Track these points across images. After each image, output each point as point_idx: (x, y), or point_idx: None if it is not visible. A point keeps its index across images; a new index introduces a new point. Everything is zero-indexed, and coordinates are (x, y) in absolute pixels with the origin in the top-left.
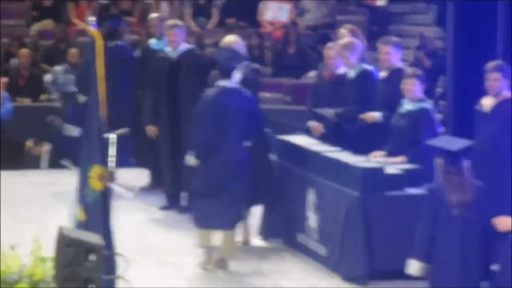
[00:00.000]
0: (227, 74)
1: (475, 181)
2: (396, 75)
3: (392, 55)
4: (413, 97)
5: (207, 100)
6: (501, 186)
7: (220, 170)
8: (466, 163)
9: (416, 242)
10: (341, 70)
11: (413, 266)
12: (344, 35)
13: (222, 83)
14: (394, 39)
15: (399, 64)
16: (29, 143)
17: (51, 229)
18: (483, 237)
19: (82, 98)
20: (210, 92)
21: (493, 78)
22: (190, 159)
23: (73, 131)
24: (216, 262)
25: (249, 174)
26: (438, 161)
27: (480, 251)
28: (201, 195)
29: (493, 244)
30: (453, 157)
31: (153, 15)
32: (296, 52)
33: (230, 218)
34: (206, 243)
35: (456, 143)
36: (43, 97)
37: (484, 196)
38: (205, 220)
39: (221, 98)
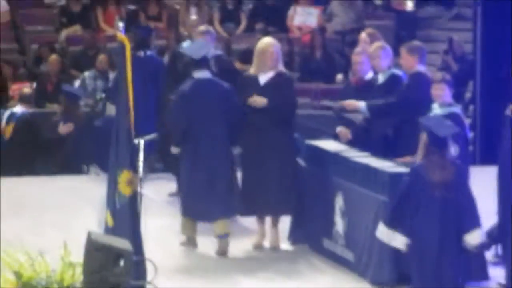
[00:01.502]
0: (200, 66)
1: (456, 162)
2: (413, 78)
3: (406, 60)
4: (442, 102)
5: (182, 93)
6: None
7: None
8: (451, 147)
9: (400, 217)
10: (369, 75)
11: (399, 241)
12: (364, 40)
13: (196, 74)
14: (412, 43)
15: (417, 68)
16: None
17: (78, 234)
18: (460, 216)
19: (111, 109)
20: (184, 84)
21: None
22: (173, 148)
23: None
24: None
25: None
26: (423, 138)
27: (457, 229)
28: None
29: (469, 222)
30: (438, 140)
31: (194, 17)
32: (322, 57)
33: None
34: (191, 234)
35: (444, 128)
36: None
37: (463, 176)
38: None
39: (195, 89)
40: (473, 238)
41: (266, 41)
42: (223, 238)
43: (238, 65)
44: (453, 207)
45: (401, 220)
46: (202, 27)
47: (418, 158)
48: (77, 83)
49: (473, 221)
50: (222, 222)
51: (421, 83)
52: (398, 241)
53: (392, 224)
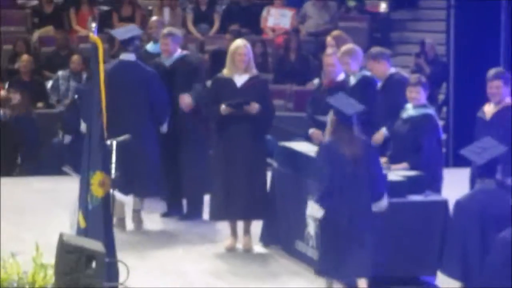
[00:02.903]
0: (126, 48)
1: (363, 138)
2: (390, 81)
3: (377, 67)
4: (417, 104)
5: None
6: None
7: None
8: (357, 126)
9: (322, 190)
10: (341, 77)
11: (316, 210)
12: (330, 43)
13: (121, 56)
14: (374, 50)
15: (390, 70)
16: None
17: (52, 236)
18: (370, 187)
19: (84, 127)
20: (108, 64)
21: (495, 86)
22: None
23: (66, 139)
24: None
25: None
26: (331, 117)
27: (367, 199)
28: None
29: (376, 193)
30: (345, 118)
31: (154, 18)
32: (297, 59)
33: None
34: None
35: (350, 107)
36: (39, 104)
37: (370, 151)
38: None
39: (117, 70)
40: (381, 205)
41: (238, 43)
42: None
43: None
44: (362, 180)
45: (324, 194)
46: (165, 29)
47: (326, 135)
48: (50, 82)
49: (379, 191)
50: None
51: (400, 85)
52: (316, 211)
53: (320, 201)
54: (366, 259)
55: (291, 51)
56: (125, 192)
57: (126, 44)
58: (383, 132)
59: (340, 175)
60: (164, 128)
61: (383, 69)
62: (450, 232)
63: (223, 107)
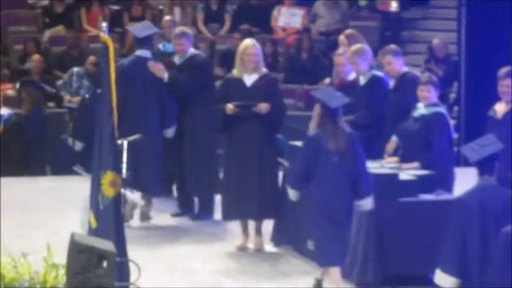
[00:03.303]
0: (142, 45)
1: (348, 130)
2: (403, 80)
3: (393, 63)
4: (428, 103)
5: (121, 67)
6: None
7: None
8: (342, 118)
9: (295, 174)
10: (351, 76)
11: (293, 194)
12: (343, 42)
13: (137, 52)
14: (392, 47)
15: (403, 69)
16: None
17: (61, 235)
18: (353, 181)
19: (78, 145)
20: (125, 59)
21: (506, 84)
22: None
23: (77, 145)
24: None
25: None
26: (316, 110)
27: (349, 193)
28: None
29: (362, 190)
30: (330, 111)
31: (167, 17)
32: (308, 58)
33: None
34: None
35: (336, 100)
36: (50, 104)
37: (356, 145)
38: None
39: (133, 65)
40: (365, 205)
41: (247, 43)
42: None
43: (217, 70)
44: (346, 172)
45: (300, 181)
46: (177, 29)
47: (310, 127)
48: (63, 77)
49: (367, 189)
50: None
51: (412, 84)
52: (292, 194)
53: (293, 184)
54: (341, 249)
55: (302, 51)
56: (133, 187)
57: (142, 41)
58: (394, 140)
59: (325, 166)
60: (170, 132)
61: (399, 66)
62: (449, 229)
63: (229, 106)
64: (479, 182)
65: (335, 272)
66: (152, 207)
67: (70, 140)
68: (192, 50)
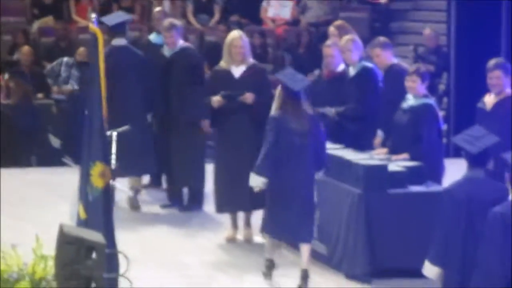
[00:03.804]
0: (116, 34)
1: (310, 112)
2: (391, 71)
3: (382, 56)
4: (416, 94)
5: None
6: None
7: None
8: (305, 99)
9: (263, 159)
10: (340, 68)
11: (257, 180)
12: (333, 33)
13: (113, 42)
14: (381, 39)
15: (392, 61)
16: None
17: (51, 227)
18: (314, 158)
19: (55, 142)
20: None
21: (495, 76)
22: None
23: (55, 142)
24: None
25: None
26: (278, 91)
27: (311, 169)
28: None
29: (318, 164)
30: (292, 93)
31: (157, 8)
32: (306, 51)
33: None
34: None
35: (297, 82)
36: (39, 95)
37: (317, 125)
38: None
39: (110, 55)
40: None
41: (234, 35)
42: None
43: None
44: (308, 151)
45: (269, 166)
46: (166, 22)
47: (273, 109)
48: (50, 67)
49: (322, 163)
50: None
51: (401, 75)
52: (258, 181)
53: (261, 171)
54: (309, 226)
55: (301, 45)
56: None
57: (116, 29)
58: (380, 135)
59: (288, 146)
60: (149, 117)
61: (388, 59)
62: (437, 220)
63: (216, 98)
64: (467, 174)
65: (306, 249)
66: (140, 196)
67: (50, 136)
68: (181, 42)
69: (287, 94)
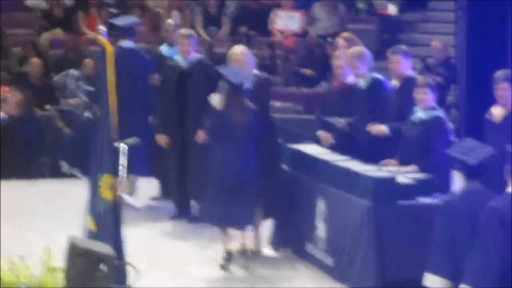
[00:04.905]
0: (124, 36)
1: (252, 106)
2: (408, 84)
3: (401, 64)
4: (425, 106)
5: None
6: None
7: None
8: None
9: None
10: (350, 79)
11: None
12: (342, 44)
13: (120, 43)
14: (404, 47)
15: (409, 73)
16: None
17: (60, 239)
18: (257, 149)
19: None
20: None
21: (503, 88)
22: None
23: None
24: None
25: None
26: (221, 86)
27: (252, 159)
28: None
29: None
30: (235, 88)
31: (170, 21)
32: (307, 61)
33: None
34: None
35: (239, 76)
36: (47, 107)
37: (258, 119)
38: None
39: (117, 56)
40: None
41: (235, 50)
42: None
43: None
44: (252, 143)
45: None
46: (184, 30)
47: (219, 103)
48: (59, 78)
49: (271, 153)
50: None
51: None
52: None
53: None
54: (246, 214)
55: (313, 56)
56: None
57: (125, 31)
58: (383, 128)
59: (231, 138)
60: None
61: (405, 68)
62: (437, 232)
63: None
64: (467, 186)
65: (247, 237)
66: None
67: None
68: (194, 53)
69: (230, 89)
